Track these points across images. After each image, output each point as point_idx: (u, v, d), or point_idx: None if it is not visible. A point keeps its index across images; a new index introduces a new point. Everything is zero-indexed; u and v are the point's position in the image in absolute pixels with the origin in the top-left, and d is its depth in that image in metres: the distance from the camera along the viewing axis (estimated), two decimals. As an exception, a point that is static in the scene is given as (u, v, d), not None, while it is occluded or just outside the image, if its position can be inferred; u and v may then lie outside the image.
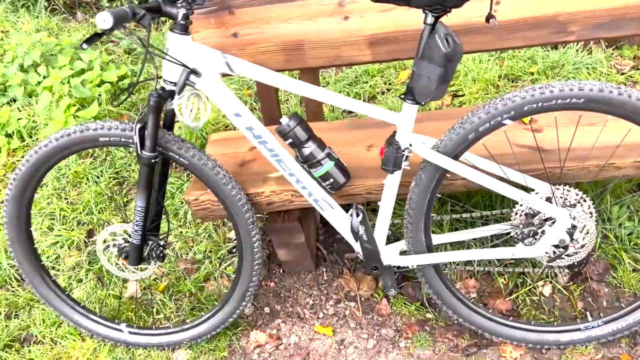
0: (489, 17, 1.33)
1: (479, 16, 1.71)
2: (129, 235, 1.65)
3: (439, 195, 1.59)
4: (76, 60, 3.36)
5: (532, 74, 2.78)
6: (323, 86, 3.01)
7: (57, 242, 2.29)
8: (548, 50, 2.85)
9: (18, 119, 3.03)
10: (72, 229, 2.37)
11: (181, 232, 2.24)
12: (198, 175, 1.59)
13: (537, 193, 1.47)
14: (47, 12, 4.26)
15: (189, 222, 2.29)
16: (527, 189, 1.47)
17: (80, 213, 2.44)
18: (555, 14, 1.69)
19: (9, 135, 2.97)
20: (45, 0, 4.51)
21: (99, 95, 3.11)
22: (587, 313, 1.71)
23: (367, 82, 2.93)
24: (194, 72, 1.44)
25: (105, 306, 2.01)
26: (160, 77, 1.48)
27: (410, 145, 1.44)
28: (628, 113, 1.31)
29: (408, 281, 1.88)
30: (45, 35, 3.68)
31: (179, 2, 1.43)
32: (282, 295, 1.97)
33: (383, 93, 2.87)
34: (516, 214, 1.53)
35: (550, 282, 1.81)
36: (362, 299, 1.89)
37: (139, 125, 1.48)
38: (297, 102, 2.84)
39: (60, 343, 1.91)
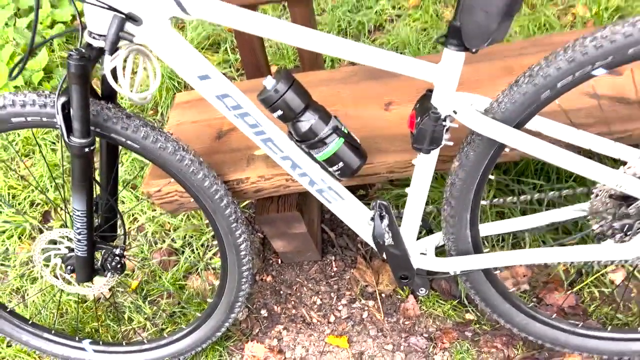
0: None
1: None
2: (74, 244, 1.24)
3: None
4: (21, -2, 2.82)
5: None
6: (318, 14, 2.49)
7: (5, 230, 1.88)
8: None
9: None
10: (24, 212, 1.96)
11: (151, 216, 1.82)
12: (155, 162, 1.15)
13: (630, 167, 1.03)
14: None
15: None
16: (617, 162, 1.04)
17: (34, 190, 2.02)
18: None
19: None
20: None
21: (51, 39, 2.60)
22: (684, 316, 1.33)
23: (371, 7, 2.41)
24: (130, 18, 0.97)
25: (66, 313, 1.63)
26: (85, 29, 1.01)
27: (455, 112, 0.99)
28: None
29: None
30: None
31: None
32: (282, 293, 1.58)
33: (392, 21, 2.36)
34: (597, 195, 1.11)
35: (623, 266, 1.42)
36: (383, 295, 1.51)
37: (61, 100, 1.02)
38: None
39: (12, 364, 1.55)
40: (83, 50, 0.98)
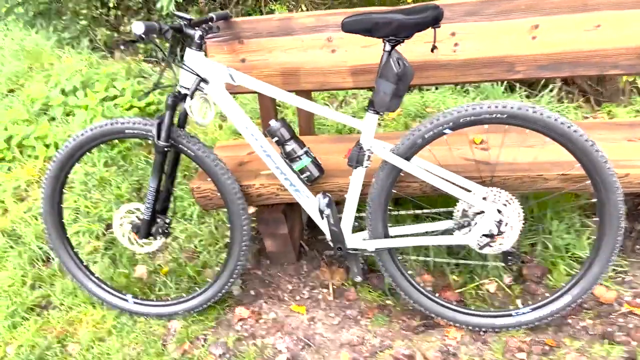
0: (433, 48, 1.71)
1: (443, 54, 2.11)
2: (142, 213, 2.01)
3: (403, 195, 1.93)
4: (110, 88, 3.83)
5: (507, 117, 3.13)
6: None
7: (79, 231, 2.65)
8: (521, 98, 3.21)
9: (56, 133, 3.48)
10: (94, 222, 2.74)
11: (186, 227, 2.58)
12: (201, 166, 1.96)
13: (474, 193, 1.79)
14: (89, 49, 4.79)
15: (194, 221, 2.63)
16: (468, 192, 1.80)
17: (102, 210, 2.81)
18: (504, 56, 2.07)
19: (47, 146, 3.41)
20: (89, 40, 5.09)
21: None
22: (518, 301, 1.99)
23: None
24: (204, 80, 1.84)
25: (116, 283, 2.34)
26: (178, 83, 1.88)
27: (371, 147, 1.79)
28: (540, 127, 1.66)
29: (374, 273, 2.18)
30: (85, 66, 4.18)
31: (198, 27, 1.85)
32: (266, 281, 2.28)
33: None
34: (457, 210, 1.85)
35: (496, 281, 2.10)
36: (335, 287, 2.20)
37: (157, 121, 1.86)
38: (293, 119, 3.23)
39: (75, 309, 2.23)
40: (176, 94, 1.85)
